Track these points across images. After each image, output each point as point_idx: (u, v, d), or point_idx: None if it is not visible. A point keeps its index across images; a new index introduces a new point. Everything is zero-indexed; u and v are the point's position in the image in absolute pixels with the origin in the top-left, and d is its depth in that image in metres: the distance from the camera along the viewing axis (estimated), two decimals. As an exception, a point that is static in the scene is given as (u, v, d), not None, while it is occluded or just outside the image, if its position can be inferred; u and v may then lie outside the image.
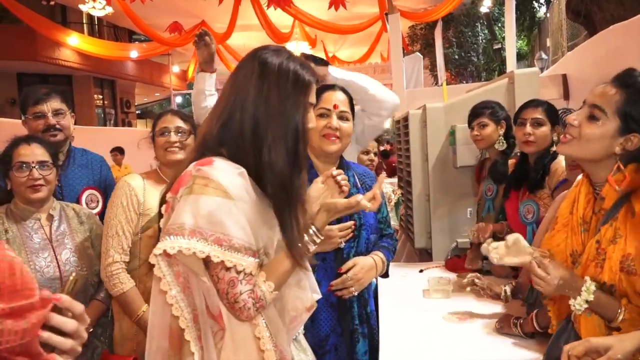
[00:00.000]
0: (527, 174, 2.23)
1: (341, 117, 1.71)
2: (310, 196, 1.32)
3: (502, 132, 2.51)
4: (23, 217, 1.88)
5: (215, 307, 1.13)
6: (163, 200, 1.20)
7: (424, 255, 3.29)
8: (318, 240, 1.26)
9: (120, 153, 8.90)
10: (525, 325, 1.71)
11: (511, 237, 1.39)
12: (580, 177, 1.46)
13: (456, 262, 2.70)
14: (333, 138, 1.70)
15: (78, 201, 2.24)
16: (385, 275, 1.87)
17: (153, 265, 1.12)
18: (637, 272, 1.21)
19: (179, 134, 2.01)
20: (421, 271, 2.70)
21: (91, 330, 1.93)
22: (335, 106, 1.70)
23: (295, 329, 1.29)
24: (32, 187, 1.83)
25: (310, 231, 1.25)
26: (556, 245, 1.42)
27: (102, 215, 2.39)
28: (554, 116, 2.19)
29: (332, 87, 1.77)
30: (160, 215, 1.20)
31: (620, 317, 1.24)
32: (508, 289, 1.90)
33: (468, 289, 1.98)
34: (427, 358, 1.69)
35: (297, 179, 1.18)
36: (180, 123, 2.03)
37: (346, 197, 1.66)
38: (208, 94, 2.47)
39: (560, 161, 2.09)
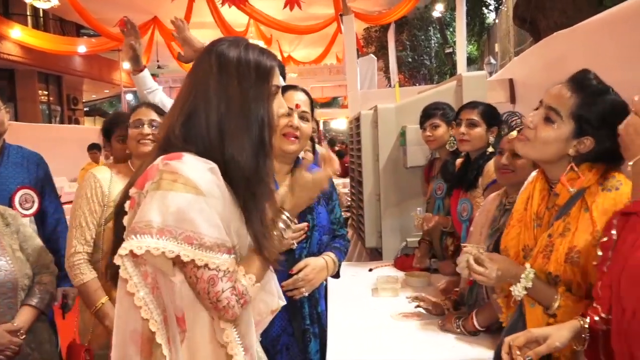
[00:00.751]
0: (466, 173, 2.30)
1: (302, 117, 1.72)
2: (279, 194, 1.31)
3: (452, 132, 2.57)
4: None
5: (179, 309, 1.07)
6: (126, 196, 1.12)
7: (375, 255, 3.32)
8: (292, 226, 1.25)
9: (99, 151, 8.37)
10: (466, 324, 1.75)
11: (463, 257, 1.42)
12: (534, 173, 1.50)
13: (405, 260, 2.74)
14: (293, 138, 1.69)
15: (11, 201, 2.13)
16: (337, 275, 1.87)
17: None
18: (581, 264, 1.26)
19: (153, 127, 2.01)
20: (371, 270, 2.72)
21: (23, 337, 1.83)
22: (297, 105, 1.71)
23: (257, 333, 1.26)
24: None
25: (283, 216, 1.23)
26: (510, 240, 1.45)
27: (37, 216, 2.28)
28: (491, 118, 2.26)
29: (294, 87, 1.78)
30: (121, 211, 1.12)
31: (556, 304, 1.28)
32: (448, 302, 1.94)
33: (413, 304, 2.00)
34: (374, 356, 1.70)
35: (262, 170, 1.15)
36: (154, 116, 2.05)
37: None
38: (149, 92, 2.44)
39: (492, 162, 2.16)
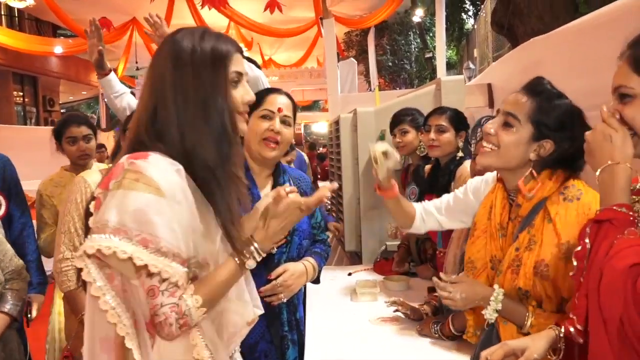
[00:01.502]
0: (437, 178, 2.31)
1: (284, 122, 1.68)
2: (257, 209, 1.24)
3: (422, 138, 2.60)
4: None
5: (147, 314, 1.02)
6: (92, 197, 1.07)
7: (354, 258, 3.31)
8: (257, 257, 1.14)
9: (106, 150, 8.21)
10: (444, 329, 1.75)
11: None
12: (491, 178, 1.51)
13: (384, 264, 2.73)
14: (273, 144, 1.66)
15: None
16: (317, 281, 1.84)
17: None
18: (551, 277, 1.26)
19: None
20: (350, 274, 2.71)
21: None
22: (279, 109, 1.67)
23: (233, 345, 1.21)
24: None
25: (251, 248, 1.13)
26: (477, 251, 1.45)
27: (4, 219, 2.24)
28: (459, 123, 2.29)
29: (277, 90, 1.74)
30: (88, 212, 1.06)
31: (529, 323, 1.28)
32: (427, 307, 1.94)
33: (392, 309, 1.99)
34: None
35: (227, 159, 1.10)
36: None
37: None
38: (117, 96, 2.43)
39: (465, 167, 2.17)
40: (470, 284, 1.39)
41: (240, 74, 1.14)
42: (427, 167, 2.50)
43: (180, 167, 1.05)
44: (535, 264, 1.27)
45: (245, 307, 1.19)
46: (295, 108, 1.77)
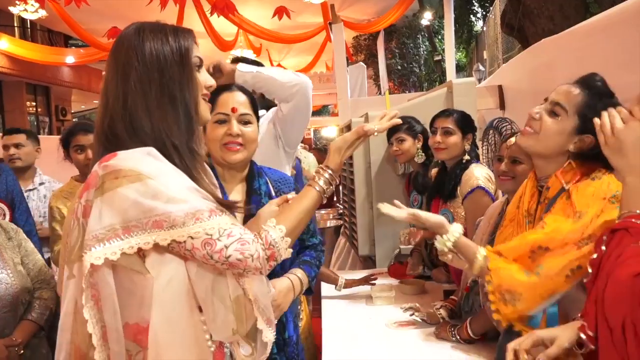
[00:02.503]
0: (444, 182, 2.31)
1: (242, 121, 1.51)
2: (261, 216, 1.24)
3: (419, 145, 2.62)
4: None
5: (143, 319, 0.99)
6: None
7: (368, 263, 3.31)
8: (334, 183, 1.22)
9: None
10: (461, 332, 1.74)
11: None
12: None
13: (398, 268, 2.73)
14: (237, 147, 1.50)
15: None
16: (309, 291, 1.67)
17: None
18: (545, 231, 1.26)
19: None
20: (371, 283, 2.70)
21: (21, 352, 1.79)
22: (233, 109, 1.50)
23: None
24: None
25: (326, 175, 1.20)
26: (503, 239, 1.45)
27: None
28: (466, 125, 2.28)
29: (228, 87, 1.56)
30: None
31: (478, 261, 1.31)
32: (443, 311, 1.91)
33: (408, 314, 1.98)
34: (370, 366, 1.69)
35: (192, 143, 1.11)
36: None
37: (257, 207, 1.55)
38: None
39: (472, 171, 2.17)
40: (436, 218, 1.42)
41: (200, 59, 1.14)
42: (434, 171, 2.50)
43: (150, 148, 1.05)
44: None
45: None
46: (255, 102, 1.59)
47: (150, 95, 1.08)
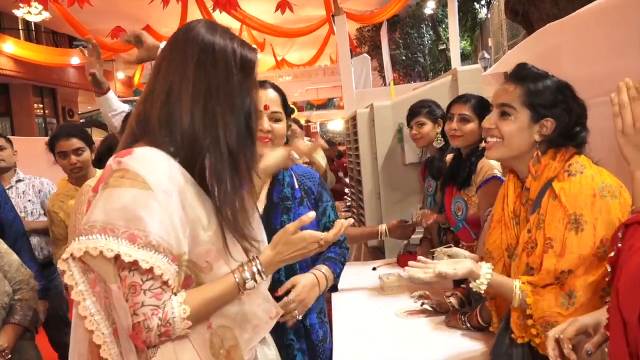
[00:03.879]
0: (458, 170, 2.28)
1: (272, 118, 1.58)
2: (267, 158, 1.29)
3: (439, 130, 2.58)
4: None
5: (127, 324, 0.97)
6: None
7: (377, 253, 3.31)
8: (259, 280, 1.10)
9: None
10: (471, 320, 1.74)
11: (452, 251, 1.47)
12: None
13: (408, 258, 2.72)
14: (266, 140, 1.56)
15: None
16: (334, 288, 1.71)
17: None
18: (555, 252, 1.26)
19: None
20: (374, 269, 2.71)
21: (9, 356, 1.78)
22: (266, 107, 1.57)
23: (261, 334, 1.17)
24: None
25: (254, 268, 1.09)
26: (493, 242, 1.47)
27: None
28: (484, 111, 2.23)
29: (263, 84, 1.62)
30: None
31: (517, 296, 1.29)
32: (453, 300, 1.90)
33: (418, 302, 1.98)
34: (382, 354, 1.69)
35: (248, 157, 1.10)
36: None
37: (280, 198, 1.58)
38: (114, 114, 2.37)
39: (487, 159, 2.14)
40: (456, 260, 1.40)
41: (257, 82, 1.16)
42: (449, 157, 2.48)
43: (170, 158, 1.03)
44: (545, 242, 1.28)
45: (267, 304, 1.17)
46: (286, 99, 1.66)
47: (199, 88, 1.05)
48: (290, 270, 1.57)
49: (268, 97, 1.59)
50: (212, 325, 1.08)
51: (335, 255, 1.68)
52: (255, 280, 1.09)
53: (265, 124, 1.56)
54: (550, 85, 1.34)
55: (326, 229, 1.64)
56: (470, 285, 1.38)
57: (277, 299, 1.48)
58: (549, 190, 1.32)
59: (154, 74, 1.10)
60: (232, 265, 1.09)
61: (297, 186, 1.65)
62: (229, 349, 1.08)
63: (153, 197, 0.96)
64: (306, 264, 1.60)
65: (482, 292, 1.36)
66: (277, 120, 1.59)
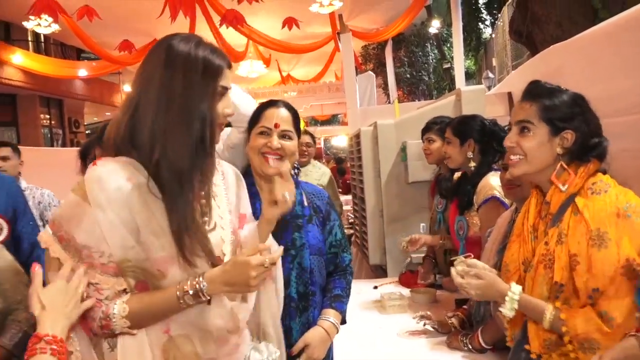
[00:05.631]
0: (460, 190, 2.31)
1: (283, 136, 1.58)
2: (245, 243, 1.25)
3: (470, 150, 2.56)
4: None
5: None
6: None
7: (379, 272, 3.30)
8: (202, 300, 1.08)
9: None
10: (473, 341, 1.73)
11: (471, 261, 1.44)
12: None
13: (410, 277, 2.72)
14: (274, 158, 1.55)
15: None
16: (343, 322, 1.70)
17: None
18: (581, 269, 1.25)
19: None
20: (376, 287, 2.70)
21: None
22: (276, 125, 1.57)
23: (225, 349, 1.15)
24: None
25: (198, 286, 1.07)
26: (510, 255, 1.45)
27: (10, 242, 2.16)
28: (462, 133, 2.28)
29: (274, 103, 1.64)
30: None
31: (547, 318, 1.27)
32: (455, 321, 1.90)
33: (420, 323, 1.97)
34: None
35: (200, 168, 1.11)
36: None
37: (292, 216, 1.57)
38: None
39: (487, 180, 2.15)
40: (488, 280, 1.38)
41: (226, 89, 1.16)
42: (456, 175, 2.49)
43: (137, 175, 1.07)
44: (569, 257, 1.27)
45: (229, 315, 1.15)
46: (298, 119, 1.66)
47: (166, 101, 1.07)
48: (304, 311, 1.58)
49: (279, 116, 1.59)
50: (170, 332, 1.10)
51: (341, 292, 1.68)
52: (198, 296, 1.07)
53: (275, 141, 1.56)
54: (565, 98, 1.36)
55: (332, 247, 1.69)
56: (500, 309, 1.36)
57: (292, 358, 1.51)
58: (572, 205, 1.32)
59: (132, 85, 1.17)
60: (193, 273, 1.10)
61: (306, 204, 1.66)
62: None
63: (86, 210, 1.05)
64: (303, 273, 1.58)
65: (511, 314, 1.34)
66: (288, 138, 1.59)
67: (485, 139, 2.25)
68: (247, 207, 1.35)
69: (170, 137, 1.07)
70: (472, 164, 2.22)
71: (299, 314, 1.55)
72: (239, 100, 1.96)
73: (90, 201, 1.04)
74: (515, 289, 1.33)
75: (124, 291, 1.07)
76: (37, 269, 1.07)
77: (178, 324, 1.10)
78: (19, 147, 3.41)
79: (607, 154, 1.36)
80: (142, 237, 1.06)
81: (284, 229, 1.56)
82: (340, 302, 1.66)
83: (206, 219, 1.17)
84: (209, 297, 1.09)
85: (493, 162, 2.25)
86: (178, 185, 1.08)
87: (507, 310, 1.33)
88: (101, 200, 1.04)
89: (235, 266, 1.08)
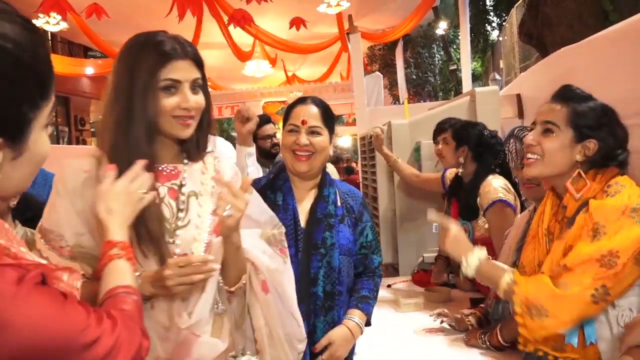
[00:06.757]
0: (459, 196, 2.35)
1: (312, 133, 1.59)
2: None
3: None
4: None
5: None
6: None
7: (390, 271, 3.32)
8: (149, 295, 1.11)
9: None
10: (491, 339, 1.74)
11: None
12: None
13: (423, 276, 2.74)
14: (303, 158, 1.58)
15: None
16: (368, 323, 1.70)
17: None
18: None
19: None
20: (389, 286, 2.72)
21: None
22: (303, 122, 1.58)
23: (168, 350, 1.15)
24: None
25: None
26: (526, 257, 1.47)
27: None
28: (459, 137, 2.34)
29: (303, 100, 1.66)
30: None
31: (503, 285, 1.32)
32: (472, 319, 1.92)
33: (437, 320, 1.99)
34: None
35: (147, 156, 1.11)
36: None
37: (324, 214, 1.60)
38: (249, 170, 2.31)
39: (489, 182, 2.17)
40: (456, 240, 1.46)
41: (176, 81, 1.15)
42: (449, 171, 2.56)
43: (99, 167, 1.13)
44: (564, 250, 1.30)
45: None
46: (329, 114, 1.65)
47: (116, 91, 1.16)
48: (330, 310, 1.58)
49: (307, 112, 1.61)
50: None
51: (368, 293, 1.68)
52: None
53: (303, 138, 1.58)
54: (595, 107, 1.36)
55: (363, 248, 1.68)
56: (462, 268, 1.42)
57: (315, 355, 1.52)
58: (585, 207, 1.33)
59: None
60: (147, 265, 1.13)
61: (339, 203, 1.66)
62: None
63: (53, 197, 1.15)
64: (331, 272, 1.57)
65: (470, 275, 1.41)
66: (317, 134, 1.60)
67: (480, 149, 2.30)
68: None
69: (118, 129, 1.14)
70: (460, 170, 2.29)
71: (324, 312, 1.56)
72: (222, 148, 2.13)
73: (55, 189, 1.15)
74: (481, 249, 1.40)
75: (83, 276, 1.06)
76: (111, 166, 1.08)
77: None
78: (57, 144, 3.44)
79: (627, 163, 1.36)
80: (94, 226, 1.10)
81: (315, 227, 1.58)
82: (366, 304, 1.66)
83: (181, 215, 1.19)
84: (147, 295, 1.10)
85: (492, 165, 2.29)
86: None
87: (465, 266, 1.40)
88: (59, 189, 1.14)
89: (174, 265, 1.08)
